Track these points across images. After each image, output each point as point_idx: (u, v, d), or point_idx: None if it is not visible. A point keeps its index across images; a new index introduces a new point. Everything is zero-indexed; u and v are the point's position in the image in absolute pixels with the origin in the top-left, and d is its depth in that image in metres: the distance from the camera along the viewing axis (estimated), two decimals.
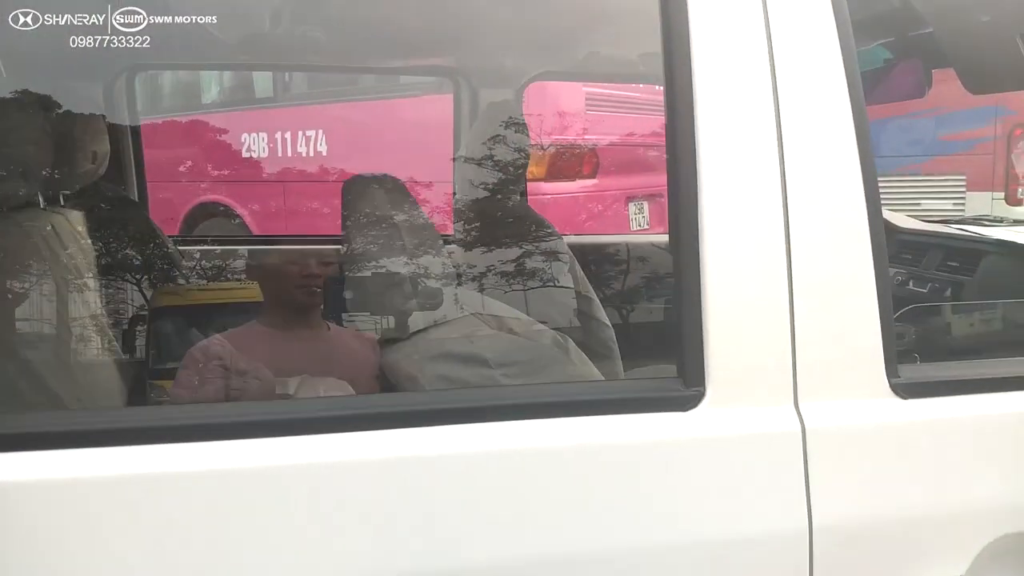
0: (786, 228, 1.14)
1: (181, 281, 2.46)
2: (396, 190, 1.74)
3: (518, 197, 2.37)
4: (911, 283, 2.55)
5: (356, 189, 1.71)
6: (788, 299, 1.13)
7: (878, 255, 1.16)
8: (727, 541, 1.13)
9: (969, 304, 1.61)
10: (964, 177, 6.54)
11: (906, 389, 1.18)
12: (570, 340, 1.75)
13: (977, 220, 2.90)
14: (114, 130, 2.48)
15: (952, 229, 2.63)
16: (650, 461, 1.12)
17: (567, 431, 1.10)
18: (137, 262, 2.31)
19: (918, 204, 6.22)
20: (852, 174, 1.16)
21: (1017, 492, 1.21)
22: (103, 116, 2.23)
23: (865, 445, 1.18)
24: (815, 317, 1.15)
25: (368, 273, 1.57)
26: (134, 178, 2.77)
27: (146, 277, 2.30)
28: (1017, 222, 2.95)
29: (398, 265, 1.56)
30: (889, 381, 1.18)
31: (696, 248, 1.11)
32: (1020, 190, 6.56)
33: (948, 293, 2.38)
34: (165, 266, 2.45)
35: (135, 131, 2.79)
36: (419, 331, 1.55)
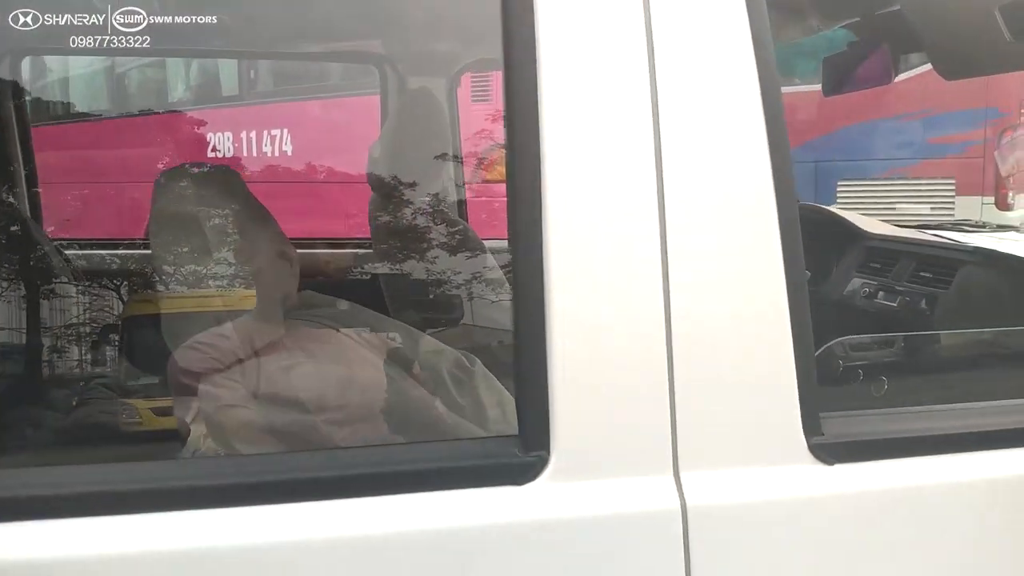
0: (662, 233, 0.85)
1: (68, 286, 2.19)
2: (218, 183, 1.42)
3: (436, 196, 2.11)
4: (880, 295, 2.27)
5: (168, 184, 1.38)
6: (665, 333, 0.84)
7: (793, 273, 0.87)
8: None
9: (920, 336, 1.31)
10: (953, 181, 6.36)
11: (831, 451, 0.89)
12: (478, 362, 1.46)
13: (957, 226, 2.62)
14: None
15: (927, 236, 2.34)
16: (465, 558, 0.82)
17: (351, 517, 0.81)
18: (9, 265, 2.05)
19: (906, 209, 6.03)
20: (756, 163, 0.87)
21: None
22: None
23: (773, 529, 0.88)
24: (703, 356, 0.85)
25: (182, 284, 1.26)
26: (21, 175, 2.49)
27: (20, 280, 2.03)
28: (1000, 227, 2.66)
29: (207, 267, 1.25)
30: (808, 441, 0.89)
31: (539, 266, 0.82)
32: (1011, 195, 6.41)
33: (921, 307, 2.10)
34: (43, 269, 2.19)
35: (23, 125, 2.50)
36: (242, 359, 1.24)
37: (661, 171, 0.86)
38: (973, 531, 0.93)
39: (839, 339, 1.03)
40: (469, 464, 0.88)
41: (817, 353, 0.91)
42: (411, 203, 2.03)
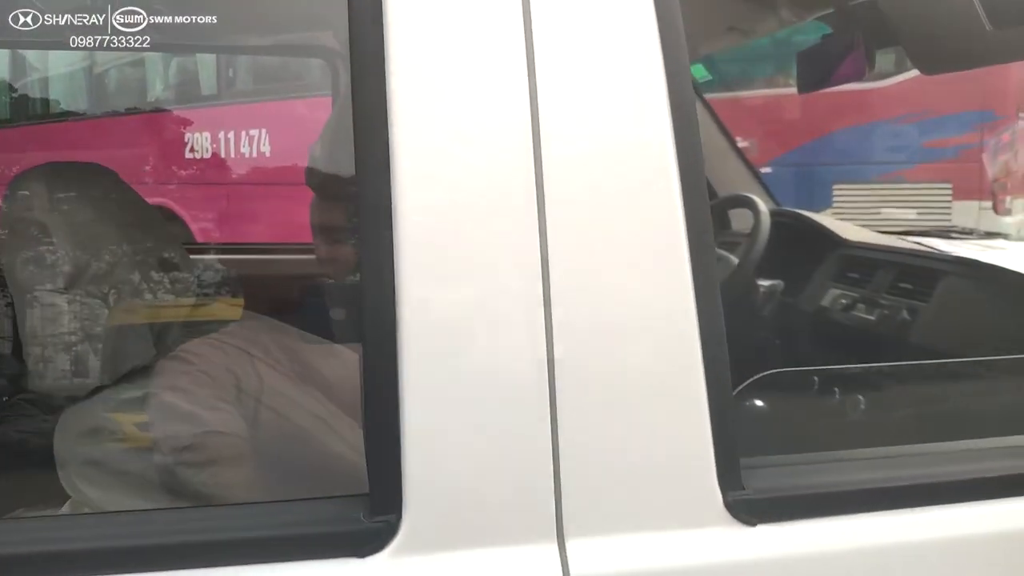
0: (541, 234, 0.70)
1: None
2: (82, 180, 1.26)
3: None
4: (857, 308, 2.14)
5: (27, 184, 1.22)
6: (547, 370, 0.69)
7: (704, 292, 0.72)
8: None
9: (861, 369, 1.16)
10: (950, 186, 6.27)
11: (754, 509, 0.74)
12: None
13: (944, 232, 2.48)
14: None
15: (909, 243, 2.20)
16: None
17: None
18: None
19: (901, 213, 5.92)
20: (658, 153, 0.72)
21: None
22: None
23: None
24: (594, 398, 0.70)
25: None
26: None
27: None
28: (989, 235, 2.52)
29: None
30: (725, 498, 0.73)
31: (390, 285, 0.67)
32: (1008, 199, 6.33)
33: (899, 320, 1.96)
34: None
35: None
36: (105, 386, 1.09)
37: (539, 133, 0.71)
38: None
39: (764, 373, 0.89)
40: (304, 531, 0.73)
41: (737, 391, 0.76)
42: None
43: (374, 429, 0.70)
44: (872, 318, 2.07)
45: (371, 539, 0.70)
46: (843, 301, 2.17)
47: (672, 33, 0.77)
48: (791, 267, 2.24)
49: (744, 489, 0.75)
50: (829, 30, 1.94)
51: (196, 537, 0.73)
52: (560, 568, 0.71)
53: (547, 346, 0.70)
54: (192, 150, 5.33)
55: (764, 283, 2.17)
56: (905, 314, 1.95)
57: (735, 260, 2.19)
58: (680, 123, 0.75)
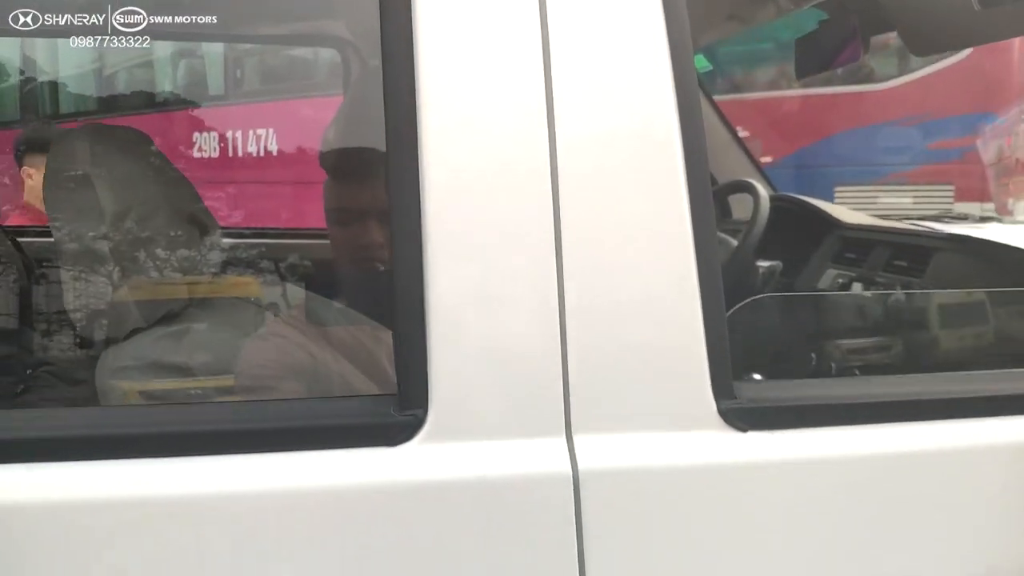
0: (553, 173, 0.77)
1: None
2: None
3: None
4: (855, 286, 2.20)
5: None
6: (557, 285, 0.76)
7: (700, 219, 0.79)
8: None
9: (845, 295, 1.22)
10: (952, 187, 6.28)
11: (745, 416, 0.81)
12: None
13: (938, 218, 2.55)
14: None
15: (904, 225, 2.27)
16: (334, 518, 0.75)
17: (218, 474, 0.75)
18: None
19: (904, 215, 5.94)
20: (661, 102, 0.80)
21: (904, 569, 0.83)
22: None
23: (678, 499, 0.80)
24: (600, 309, 0.77)
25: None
26: None
27: None
28: (983, 219, 2.58)
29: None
30: (718, 405, 0.80)
31: (416, 202, 0.74)
32: (1011, 201, 6.33)
33: (894, 297, 2.02)
34: None
35: None
36: (140, 329, 1.16)
37: (553, 120, 0.78)
38: (887, 503, 0.85)
39: (754, 297, 0.96)
40: (342, 423, 0.81)
41: (730, 312, 0.83)
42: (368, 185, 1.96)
43: (402, 338, 0.77)
44: (869, 295, 2.13)
45: (401, 431, 0.78)
46: (840, 280, 2.23)
47: (677, 24, 0.83)
48: (790, 249, 2.30)
49: (736, 399, 0.82)
50: (826, 17, 2.01)
51: (253, 426, 0.81)
52: (568, 459, 0.78)
53: (558, 275, 0.77)
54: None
55: (763, 264, 2.24)
56: (900, 289, 2.01)
57: (734, 242, 2.25)
58: (685, 108, 0.82)
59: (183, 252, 1.23)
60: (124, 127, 1.37)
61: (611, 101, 0.81)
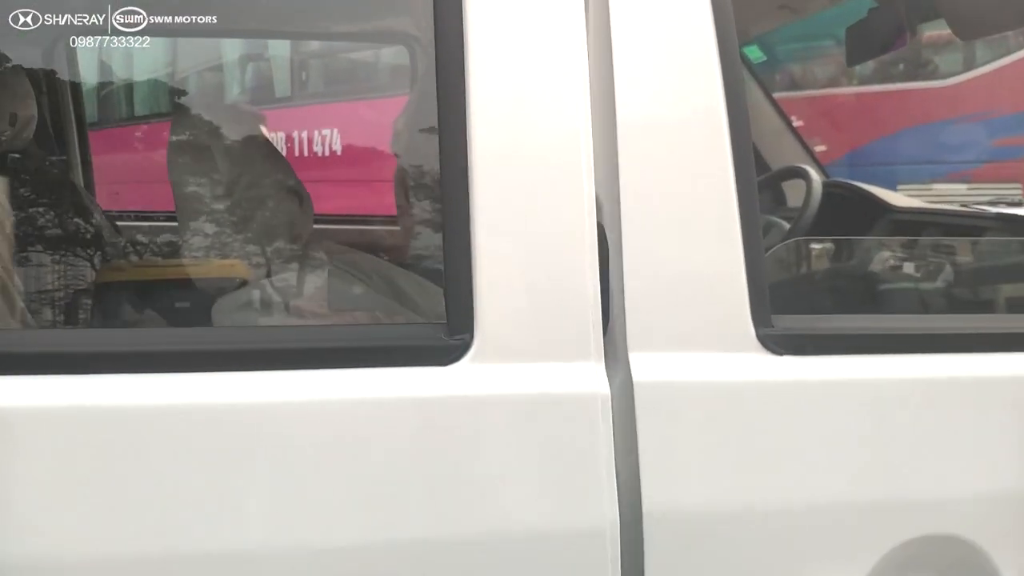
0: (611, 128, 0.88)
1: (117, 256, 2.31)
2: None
3: None
4: (905, 268, 2.25)
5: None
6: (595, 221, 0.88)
7: (742, 166, 0.90)
8: (508, 537, 0.88)
9: (873, 241, 1.30)
10: (1019, 185, 6.12)
11: (781, 342, 0.91)
12: None
13: (993, 203, 2.57)
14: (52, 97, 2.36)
15: (956, 207, 2.31)
16: (393, 426, 0.88)
17: (292, 387, 0.89)
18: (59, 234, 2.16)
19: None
20: (704, 63, 0.91)
21: (927, 484, 0.92)
22: (28, 79, 2.10)
23: (719, 412, 0.91)
24: (651, 241, 0.89)
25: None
26: (76, 147, 2.63)
27: (70, 250, 2.15)
28: None
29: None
30: (757, 331, 0.91)
31: (463, 132, 0.86)
32: None
33: (943, 277, 2.07)
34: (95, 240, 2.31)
35: (78, 99, 2.64)
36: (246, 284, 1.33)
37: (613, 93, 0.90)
38: (910, 425, 0.94)
39: (793, 239, 1.05)
40: (399, 344, 0.94)
41: (769, 251, 0.94)
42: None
43: (452, 270, 0.90)
44: (918, 275, 2.17)
45: (451, 352, 0.90)
46: (891, 262, 2.28)
47: (723, 16, 0.93)
48: (842, 232, 2.36)
49: (772, 327, 0.92)
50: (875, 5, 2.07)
51: (321, 344, 0.95)
52: (603, 379, 0.89)
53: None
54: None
55: (815, 246, 2.30)
56: (950, 270, 2.06)
57: (787, 225, 2.32)
58: (731, 93, 0.92)
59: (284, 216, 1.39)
60: (238, 105, 1.56)
61: (667, 89, 0.91)
